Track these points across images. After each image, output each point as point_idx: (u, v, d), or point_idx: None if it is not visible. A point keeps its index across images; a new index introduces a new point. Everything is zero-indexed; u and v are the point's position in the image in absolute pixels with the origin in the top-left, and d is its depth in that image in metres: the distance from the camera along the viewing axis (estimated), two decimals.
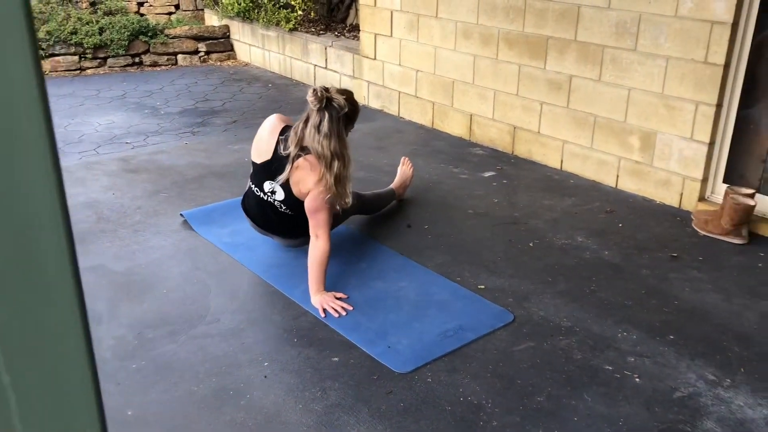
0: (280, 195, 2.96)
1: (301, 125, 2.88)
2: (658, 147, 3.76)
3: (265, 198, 3.02)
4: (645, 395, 2.29)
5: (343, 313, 2.72)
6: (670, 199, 3.78)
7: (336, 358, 2.47)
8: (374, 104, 5.65)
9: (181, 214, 3.59)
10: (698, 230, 3.45)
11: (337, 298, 2.81)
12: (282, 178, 2.88)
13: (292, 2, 6.36)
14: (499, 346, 2.55)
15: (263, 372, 2.39)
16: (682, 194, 3.72)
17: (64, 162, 4.43)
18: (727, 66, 3.41)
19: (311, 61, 6.26)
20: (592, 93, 4.01)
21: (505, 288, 2.95)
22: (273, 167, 2.95)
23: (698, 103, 3.53)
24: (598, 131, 4.05)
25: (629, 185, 3.96)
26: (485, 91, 4.66)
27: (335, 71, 5.99)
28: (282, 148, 2.91)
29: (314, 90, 2.81)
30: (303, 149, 2.84)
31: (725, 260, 3.19)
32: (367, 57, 5.56)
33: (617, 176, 4.01)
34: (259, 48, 6.97)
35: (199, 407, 2.23)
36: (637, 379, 2.37)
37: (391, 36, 5.27)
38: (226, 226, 3.48)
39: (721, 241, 3.36)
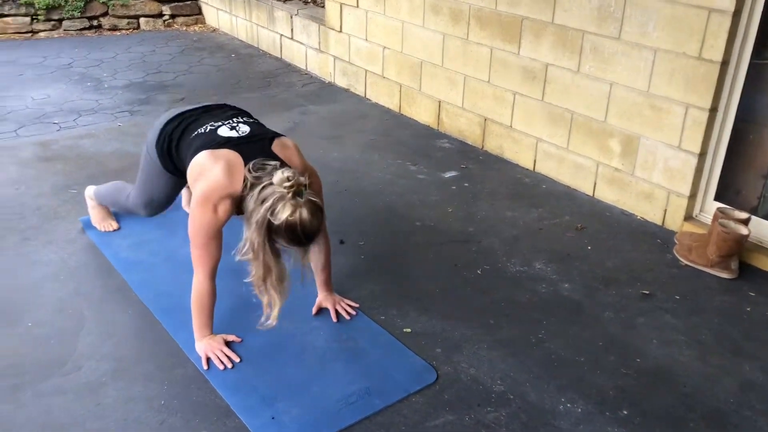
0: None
1: (264, 178, 2.07)
2: (641, 154, 3.21)
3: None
4: None
5: (229, 365, 2.24)
6: (652, 214, 3.24)
7: None
8: (341, 82, 5.09)
9: (79, 220, 3.11)
10: (680, 258, 2.92)
11: (228, 343, 2.33)
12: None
13: None
14: (410, 420, 2.07)
15: None
16: (666, 211, 3.18)
17: None
18: (725, 63, 2.84)
19: (277, 30, 5.68)
20: (570, 85, 3.44)
21: (436, 332, 2.46)
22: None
23: (689, 106, 2.96)
24: (575, 130, 3.49)
25: (608, 195, 3.42)
26: (455, 76, 4.09)
27: (301, 43, 5.42)
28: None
29: (291, 178, 2.01)
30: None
31: (707, 301, 2.67)
32: (333, 29, 4.99)
33: (595, 184, 3.47)
34: (227, 12, 6.39)
35: None
36: None
37: (358, 6, 4.68)
38: (129, 236, 3.00)
39: (706, 273, 2.83)
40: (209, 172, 2.15)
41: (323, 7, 5.44)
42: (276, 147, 2.24)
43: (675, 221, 3.15)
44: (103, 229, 3.02)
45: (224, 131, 2.28)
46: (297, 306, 2.56)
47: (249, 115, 2.49)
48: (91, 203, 3.03)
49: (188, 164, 2.27)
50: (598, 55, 3.26)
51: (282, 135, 2.33)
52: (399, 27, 4.39)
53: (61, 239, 3.00)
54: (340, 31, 4.92)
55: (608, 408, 2.13)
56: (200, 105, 2.57)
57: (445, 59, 4.13)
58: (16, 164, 3.71)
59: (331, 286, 2.57)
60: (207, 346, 2.28)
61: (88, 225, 3.06)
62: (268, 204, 2.02)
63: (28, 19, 6.24)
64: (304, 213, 2.01)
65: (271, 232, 2.05)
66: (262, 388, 2.16)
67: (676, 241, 3.02)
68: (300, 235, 2.04)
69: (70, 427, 2.01)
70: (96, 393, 2.14)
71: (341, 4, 4.83)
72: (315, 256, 2.42)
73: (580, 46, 3.32)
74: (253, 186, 2.08)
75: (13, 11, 6.18)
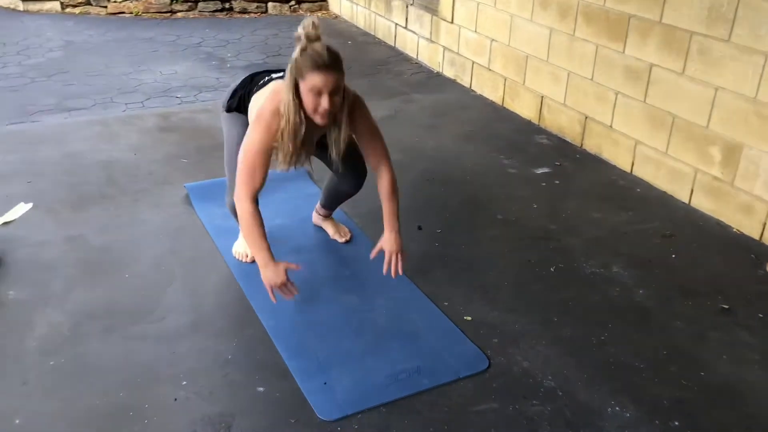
0: None
1: None
2: (743, 164, 3.05)
3: None
4: None
5: (291, 297, 2.40)
6: (750, 228, 3.08)
7: (261, 388, 2.16)
8: (448, 73, 5.14)
9: (184, 186, 3.39)
10: None
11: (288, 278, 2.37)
12: None
13: None
14: (455, 403, 2.13)
15: (176, 393, 2.13)
16: (765, 225, 3.01)
17: (107, 114, 4.36)
18: None
19: (393, 19, 5.81)
20: (674, 88, 3.32)
21: (496, 323, 2.49)
22: None
23: None
24: (675, 134, 3.36)
25: (704, 204, 3.28)
26: (559, 71, 4.04)
27: (414, 32, 5.51)
28: None
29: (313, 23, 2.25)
30: None
31: None
32: (445, 20, 5.04)
33: (691, 191, 3.33)
34: (349, 0, 6.59)
35: (90, 427, 2.01)
36: None
37: None
38: (224, 206, 3.22)
39: None
40: (259, 100, 2.41)
41: None
42: None
43: None
44: (241, 259, 2.85)
45: (276, 75, 2.52)
46: (367, 280, 2.68)
47: None
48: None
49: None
50: (705, 58, 3.12)
51: None
52: (508, 20, 4.38)
53: (166, 203, 3.28)
54: (452, 22, 4.96)
55: (659, 417, 2.08)
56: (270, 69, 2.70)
57: (550, 54, 4.09)
58: (138, 132, 4.07)
59: (397, 225, 2.53)
60: (273, 277, 2.33)
61: (192, 191, 3.32)
62: (294, 53, 2.24)
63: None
64: (318, 45, 2.20)
65: (298, 75, 2.22)
66: (321, 357, 2.29)
67: None
68: (318, 59, 2.18)
69: (146, 369, 2.23)
70: (173, 342, 2.36)
71: None
72: (379, 183, 2.49)
73: (687, 47, 3.19)
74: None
75: None
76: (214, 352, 2.32)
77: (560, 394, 2.17)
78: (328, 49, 2.22)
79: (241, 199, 2.34)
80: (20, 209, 3.16)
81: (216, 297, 2.62)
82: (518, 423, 2.05)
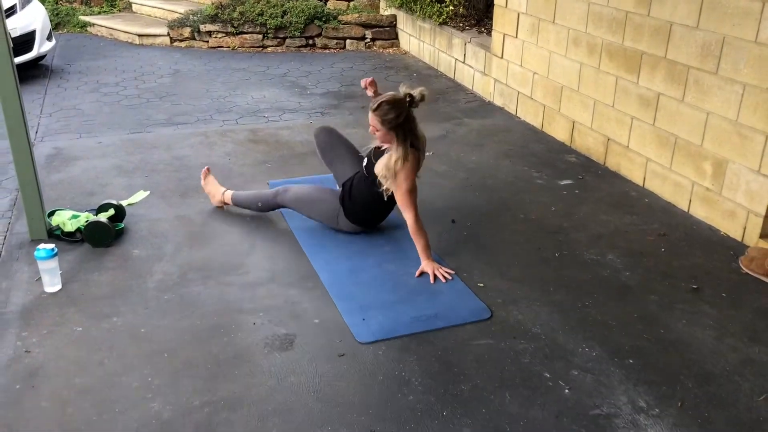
0: None
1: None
2: (728, 176, 3.61)
3: None
4: (562, 406, 2.43)
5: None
6: (734, 231, 3.62)
7: (317, 320, 2.90)
8: (498, 102, 5.85)
9: (268, 183, 4.20)
10: (742, 267, 3.31)
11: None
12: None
13: None
14: (460, 338, 2.80)
15: (254, 319, 2.90)
16: (745, 228, 3.55)
17: (207, 128, 5.28)
18: None
19: (454, 55, 6.57)
20: (676, 113, 3.91)
21: (503, 289, 3.14)
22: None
23: None
24: (677, 152, 3.94)
25: (700, 212, 3.83)
26: (587, 100, 4.68)
27: (470, 66, 6.25)
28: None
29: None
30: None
31: (750, 301, 3.07)
32: (496, 55, 5.76)
33: (690, 201, 3.89)
34: (417, 38, 7.41)
35: (193, 337, 2.79)
36: (566, 391, 2.50)
37: (516, 37, 5.42)
38: None
39: (761, 281, 3.20)
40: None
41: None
42: None
43: (752, 238, 3.50)
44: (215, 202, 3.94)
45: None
46: (405, 254, 3.39)
47: None
48: (215, 190, 3.92)
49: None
50: (699, 87, 3.71)
51: None
52: (547, 56, 5.06)
53: None
54: (501, 57, 5.68)
55: (618, 356, 2.69)
56: None
57: (580, 85, 4.73)
58: (232, 143, 4.95)
59: (428, 254, 3.29)
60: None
61: (273, 187, 4.13)
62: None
63: (260, 36, 7.74)
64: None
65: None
66: (363, 302, 3.01)
67: (746, 253, 3.39)
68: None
69: (233, 304, 3.01)
70: (253, 288, 3.13)
71: (504, 35, 5.59)
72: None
73: (686, 78, 3.79)
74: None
75: (250, 29, 7.72)
76: (284, 295, 3.08)
77: (543, 337, 2.80)
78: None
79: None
80: (140, 195, 4.05)
81: (287, 260, 3.39)
82: (507, 354, 2.70)
